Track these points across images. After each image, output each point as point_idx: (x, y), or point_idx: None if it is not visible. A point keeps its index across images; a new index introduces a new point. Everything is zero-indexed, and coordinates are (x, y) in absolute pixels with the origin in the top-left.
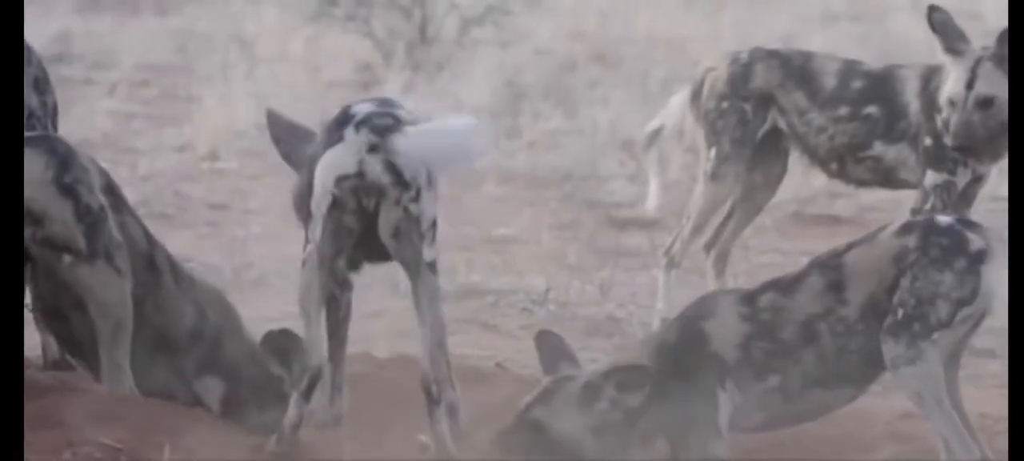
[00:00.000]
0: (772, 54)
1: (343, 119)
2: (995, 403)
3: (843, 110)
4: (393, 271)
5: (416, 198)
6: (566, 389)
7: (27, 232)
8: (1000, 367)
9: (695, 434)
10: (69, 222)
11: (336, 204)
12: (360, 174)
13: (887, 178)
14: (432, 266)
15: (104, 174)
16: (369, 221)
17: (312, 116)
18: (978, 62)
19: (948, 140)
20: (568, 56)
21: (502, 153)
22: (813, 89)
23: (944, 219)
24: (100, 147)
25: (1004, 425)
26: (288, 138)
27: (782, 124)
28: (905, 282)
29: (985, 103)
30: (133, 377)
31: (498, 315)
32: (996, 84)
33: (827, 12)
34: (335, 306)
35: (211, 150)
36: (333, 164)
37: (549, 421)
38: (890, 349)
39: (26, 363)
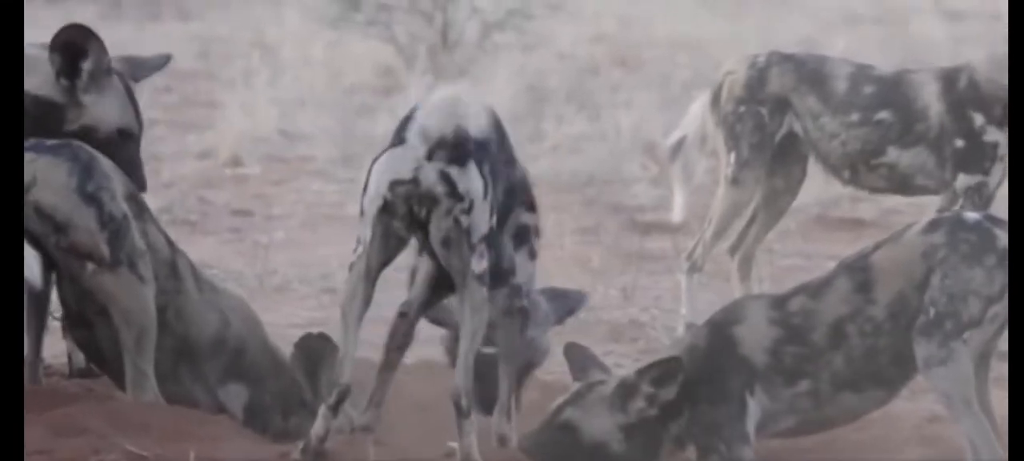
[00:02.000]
0: (787, 58)
1: (409, 117)
2: None
3: (855, 115)
4: None
5: (468, 210)
6: (598, 390)
7: (50, 240)
8: None
9: (722, 439)
10: (92, 230)
11: (387, 207)
12: (415, 181)
13: (903, 185)
14: (481, 278)
15: (126, 182)
16: (420, 228)
17: (333, 121)
18: None
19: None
20: (590, 60)
21: (525, 158)
22: (825, 93)
23: (971, 215)
24: None
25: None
26: None
27: (798, 128)
28: (935, 279)
29: None
30: (157, 384)
31: None
32: None
33: (850, 14)
34: (393, 331)
35: (234, 156)
36: (389, 167)
37: (581, 422)
38: (922, 349)
39: (51, 371)
